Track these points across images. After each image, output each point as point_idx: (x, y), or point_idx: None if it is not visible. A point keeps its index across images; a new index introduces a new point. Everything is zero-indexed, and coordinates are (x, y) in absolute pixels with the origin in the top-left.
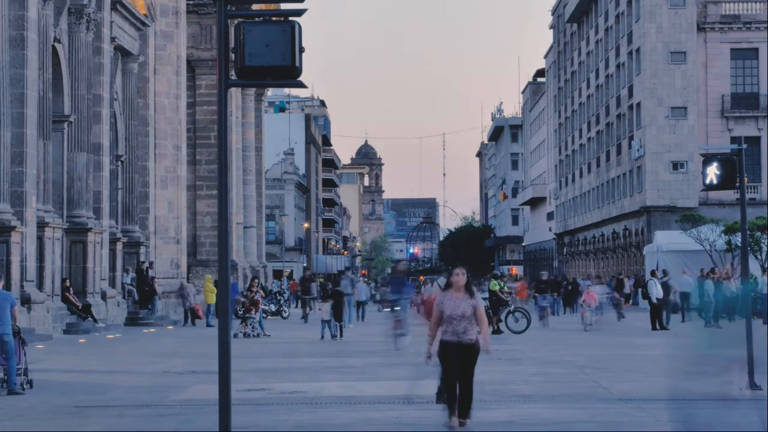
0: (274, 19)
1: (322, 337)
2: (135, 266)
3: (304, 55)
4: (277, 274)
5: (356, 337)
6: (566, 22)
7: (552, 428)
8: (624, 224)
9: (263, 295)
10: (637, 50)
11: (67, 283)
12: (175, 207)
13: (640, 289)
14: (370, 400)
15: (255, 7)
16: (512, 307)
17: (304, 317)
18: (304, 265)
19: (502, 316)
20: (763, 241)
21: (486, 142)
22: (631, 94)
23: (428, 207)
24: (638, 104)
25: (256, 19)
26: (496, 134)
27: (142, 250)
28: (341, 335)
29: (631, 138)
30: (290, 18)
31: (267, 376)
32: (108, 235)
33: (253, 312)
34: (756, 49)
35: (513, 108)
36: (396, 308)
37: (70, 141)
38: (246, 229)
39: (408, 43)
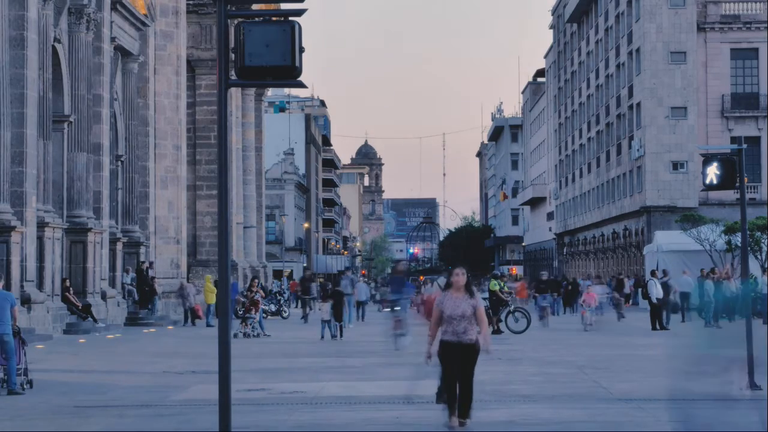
0: (274, 19)
1: (322, 337)
2: (135, 266)
3: (304, 55)
4: (277, 274)
5: (356, 337)
6: (566, 22)
7: (552, 428)
8: (624, 224)
9: (263, 295)
10: (637, 50)
11: (67, 283)
12: (175, 207)
13: (640, 289)
14: (370, 400)
15: (255, 7)
16: (512, 307)
17: (304, 317)
18: (304, 265)
19: (502, 316)
20: (763, 241)
21: (486, 142)
22: (631, 94)
23: (428, 207)
24: (638, 104)
25: (256, 19)
26: (496, 134)
27: (142, 250)
28: (341, 335)
29: (631, 138)
30: (290, 18)
31: (267, 376)
32: (108, 235)
33: (253, 312)
34: (756, 49)
35: (513, 108)
36: (396, 308)
37: (70, 141)
38: (246, 229)
39: (408, 43)
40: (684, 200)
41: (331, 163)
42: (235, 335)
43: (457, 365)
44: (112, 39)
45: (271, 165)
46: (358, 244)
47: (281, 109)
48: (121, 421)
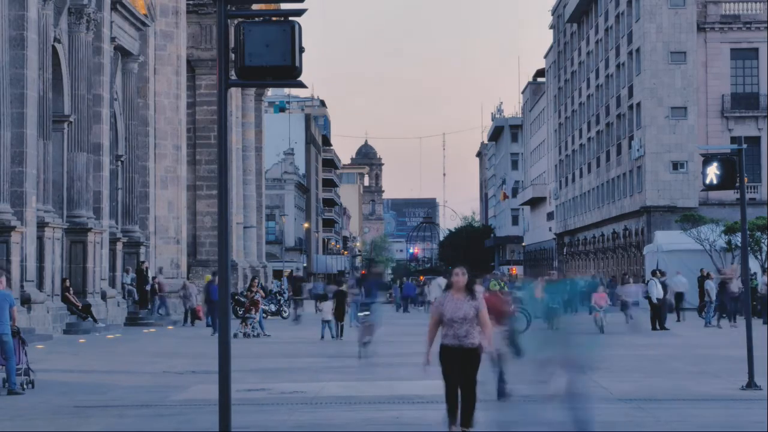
0: (274, 19)
1: (322, 337)
2: (135, 266)
3: (304, 55)
4: (277, 274)
5: (356, 337)
6: (566, 22)
7: (552, 428)
8: (624, 224)
9: (263, 295)
10: (637, 50)
11: (67, 283)
12: (175, 207)
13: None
14: (370, 400)
15: (255, 7)
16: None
17: (296, 318)
18: (304, 264)
19: None
20: (763, 241)
21: (486, 142)
22: (631, 94)
23: (428, 207)
24: (638, 104)
25: (256, 19)
26: (496, 134)
27: (142, 250)
28: (341, 335)
29: (631, 138)
30: (290, 18)
31: (267, 376)
32: (108, 235)
33: (253, 312)
34: (756, 49)
35: (513, 108)
36: (366, 313)
37: (70, 141)
38: (246, 229)
39: (408, 43)
40: (684, 200)
41: (331, 163)
42: (235, 335)
43: (458, 370)
44: (112, 39)
45: (271, 165)
46: (358, 244)
47: (281, 109)
48: (121, 421)
